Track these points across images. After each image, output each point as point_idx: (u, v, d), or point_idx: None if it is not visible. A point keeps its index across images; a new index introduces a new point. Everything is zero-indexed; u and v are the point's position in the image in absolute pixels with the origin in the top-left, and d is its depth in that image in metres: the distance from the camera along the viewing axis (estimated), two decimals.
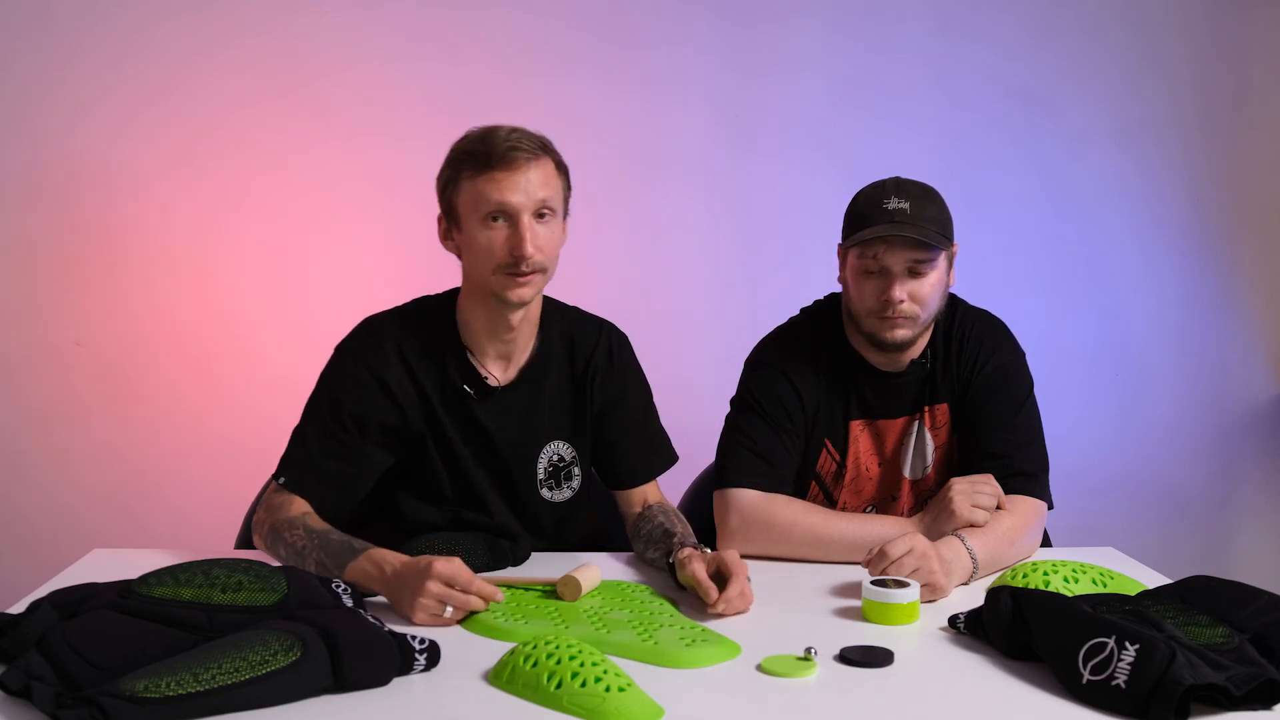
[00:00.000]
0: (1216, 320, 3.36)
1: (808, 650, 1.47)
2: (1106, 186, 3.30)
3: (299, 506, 1.81)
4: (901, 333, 1.94)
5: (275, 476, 1.85)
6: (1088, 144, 3.27)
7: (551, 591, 1.73)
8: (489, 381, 1.89)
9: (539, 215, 1.78)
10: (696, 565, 1.69)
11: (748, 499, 1.96)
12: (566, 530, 2.04)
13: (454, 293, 1.94)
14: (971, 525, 1.85)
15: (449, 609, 1.59)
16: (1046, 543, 2.08)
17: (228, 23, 3.01)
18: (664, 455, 2.09)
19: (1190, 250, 3.34)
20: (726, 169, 3.20)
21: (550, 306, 1.98)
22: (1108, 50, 3.26)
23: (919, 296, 1.92)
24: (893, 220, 1.90)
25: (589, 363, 1.97)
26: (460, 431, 1.90)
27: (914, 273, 1.92)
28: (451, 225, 1.84)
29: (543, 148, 1.80)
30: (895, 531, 1.84)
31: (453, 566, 1.60)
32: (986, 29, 3.23)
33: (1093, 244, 3.31)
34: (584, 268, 3.12)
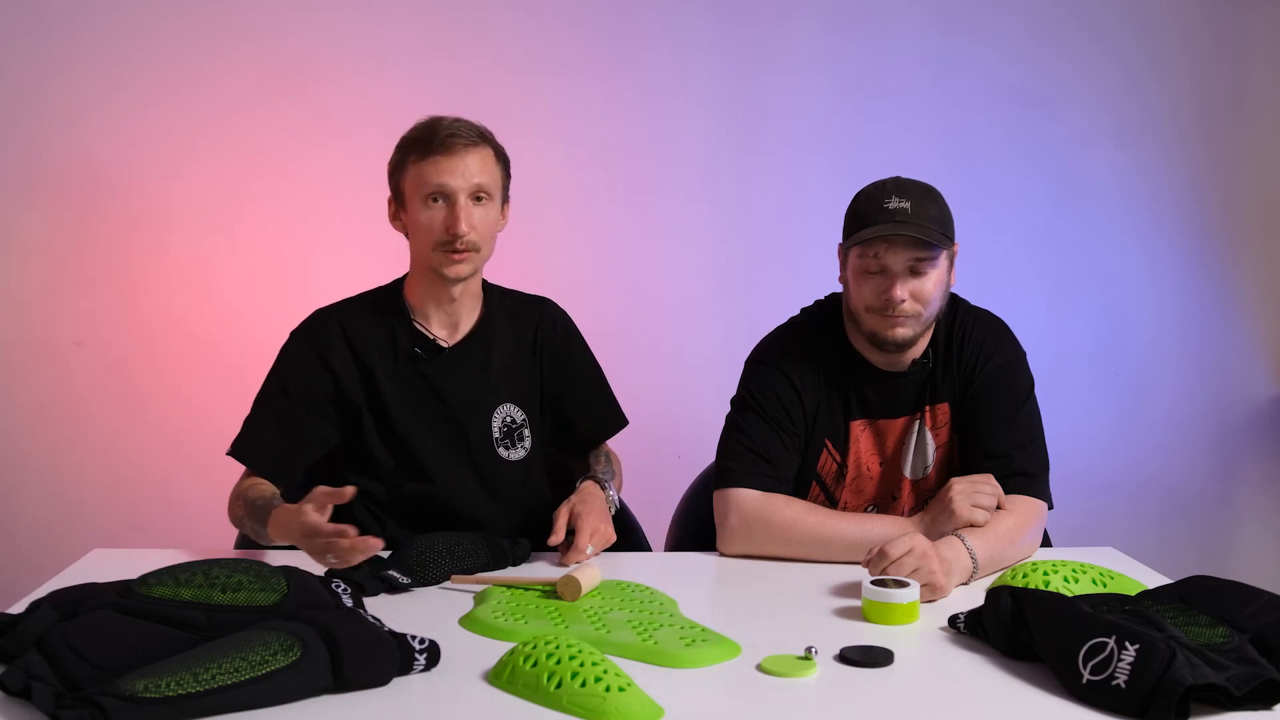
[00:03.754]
0: (1216, 320, 3.36)
1: (808, 650, 1.47)
2: (1106, 186, 3.29)
3: (249, 481, 1.93)
4: (903, 332, 1.94)
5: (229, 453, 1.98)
6: (1088, 144, 3.27)
7: (551, 591, 1.73)
8: (438, 341, 2.00)
9: (476, 198, 1.92)
10: (560, 509, 1.93)
11: (748, 498, 1.96)
12: (529, 491, 2.10)
13: (401, 279, 2.07)
14: (971, 525, 1.85)
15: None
16: (1046, 543, 2.07)
17: (228, 23, 3.01)
18: (616, 419, 2.21)
19: (1190, 250, 3.34)
20: (726, 168, 3.20)
21: (489, 286, 2.10)
22: (1108, 50, 3.26)
23: (920, 296, 1.92)
24: (894, 219, 1.89)
25: (537, 333, 2.10)
26: (413, 395, 1.99)
27: (915, 272, 1.92)
28: (399, 206, 1.99)
29: (481, 136, 1.95)
30: (895, 531, 1.84)
31: (310, 520, 1.61)
32: (986, 29, 3.22)
33: (1093, 244, 3.30)
34: (584, 267, 3.14)
